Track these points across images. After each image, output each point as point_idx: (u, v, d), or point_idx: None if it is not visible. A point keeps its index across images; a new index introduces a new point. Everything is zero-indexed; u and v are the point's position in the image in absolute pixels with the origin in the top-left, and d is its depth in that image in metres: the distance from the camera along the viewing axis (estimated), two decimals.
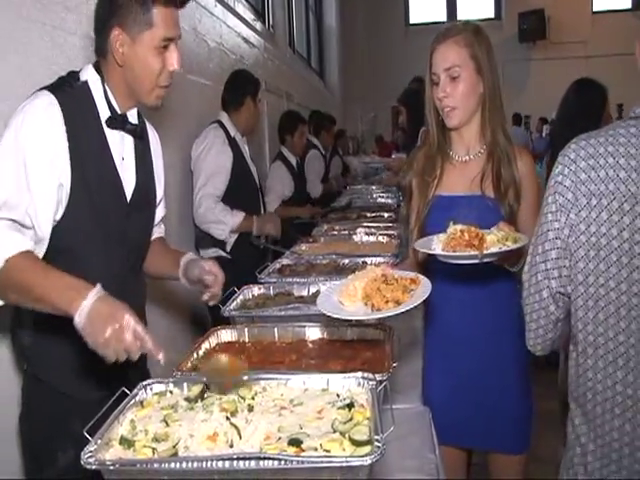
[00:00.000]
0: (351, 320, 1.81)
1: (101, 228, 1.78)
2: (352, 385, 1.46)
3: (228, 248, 3.67)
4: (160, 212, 2.13)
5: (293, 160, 5.41)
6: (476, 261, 1.75)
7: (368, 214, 5.04)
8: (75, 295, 1.45)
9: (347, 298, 1.73)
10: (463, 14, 14.67)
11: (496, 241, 1.74)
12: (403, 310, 1.62)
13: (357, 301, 1.72)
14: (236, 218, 3.60)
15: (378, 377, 1.46)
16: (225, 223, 3.57)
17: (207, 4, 3.96)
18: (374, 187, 7.26)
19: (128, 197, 1.86)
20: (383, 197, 6.31)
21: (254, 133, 4.16)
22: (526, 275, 1.51)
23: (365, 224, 4.32)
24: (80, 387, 1.81)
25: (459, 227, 1.78)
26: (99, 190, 1.76)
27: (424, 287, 1.69)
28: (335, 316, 1.67)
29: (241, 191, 3.70)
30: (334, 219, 4.92)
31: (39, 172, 1.63)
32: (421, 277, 1.75)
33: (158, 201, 2.07)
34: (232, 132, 3.68)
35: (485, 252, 1.72)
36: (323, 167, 6.54)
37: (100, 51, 1.78)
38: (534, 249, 1.47)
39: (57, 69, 1.74)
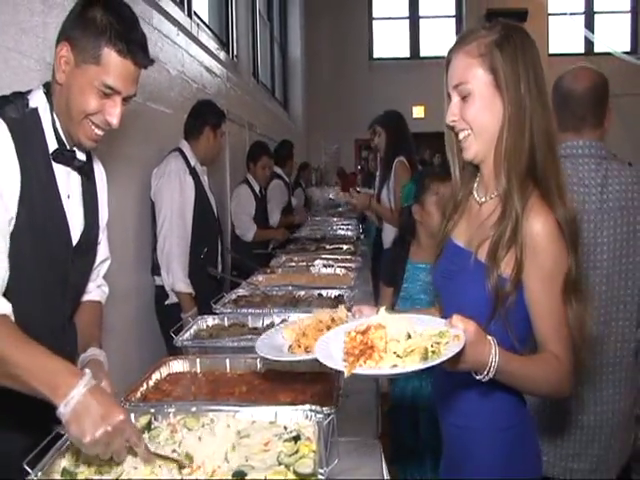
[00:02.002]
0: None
1: (42, 273, 1.63)
2: (300, 418, 1.46)
3: None
4: (102, 253, 1.94)
5: (257, 187, 5.55)
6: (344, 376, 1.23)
7: (327, 246, 5.07)
8: (61, 381, 1.25)
9: (291, 332, 1.62)
10: (426, 51, 14.92)
11: (402, 351, 1.20)
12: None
13: None
14: (182, 287, 3.48)
15: (326, 410, 1.47)
16: (172, 279, 3.45)
17: (169, 32, 3.96)
18: (335, 219, 7.34)
19: (74, 240, 1.72)
20: (343, 229, 6.36)
21: (214, 164, 4.16)
22: None
23: (323, 256, 4.36)
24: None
25: (376, 320, 1.27)
26: (44, 231, 1.62)
27: None
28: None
29: (198, 223, 3.64)
30: (293, 250, 4.94)
31: None
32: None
33: (99, 241, 1.90)
34: (192, 162, 3.65)
35: (354, 370, 1.20)
36: (286, 197, 6.58)
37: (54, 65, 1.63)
38: None
39: (10, 92, 1.68)
